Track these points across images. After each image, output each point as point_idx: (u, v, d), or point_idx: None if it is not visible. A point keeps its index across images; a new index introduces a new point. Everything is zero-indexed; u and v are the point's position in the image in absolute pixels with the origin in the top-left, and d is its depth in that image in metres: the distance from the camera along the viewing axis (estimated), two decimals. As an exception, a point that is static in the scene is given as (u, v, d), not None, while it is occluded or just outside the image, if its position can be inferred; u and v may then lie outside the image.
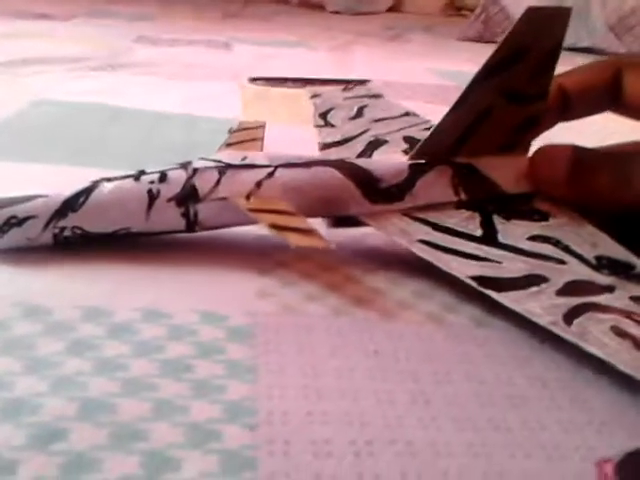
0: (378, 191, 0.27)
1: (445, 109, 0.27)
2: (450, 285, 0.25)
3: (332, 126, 0.35)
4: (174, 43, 0.86)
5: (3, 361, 0.18)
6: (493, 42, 1.20)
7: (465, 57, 1.00)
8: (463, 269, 0.24)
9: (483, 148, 0.28)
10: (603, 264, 0.25)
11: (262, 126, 0.33)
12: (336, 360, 0.20)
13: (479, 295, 0.24)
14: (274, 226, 0.24)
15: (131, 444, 0.16)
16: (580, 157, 0.28)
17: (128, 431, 0.16)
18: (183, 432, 0.16)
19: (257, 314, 0.22)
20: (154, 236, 0.26)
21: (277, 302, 0.23)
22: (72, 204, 0.24)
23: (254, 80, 0.42)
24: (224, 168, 0.26)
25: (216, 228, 0.26)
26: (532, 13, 0.25)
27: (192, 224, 0.25)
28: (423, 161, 0.28)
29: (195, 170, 0.26)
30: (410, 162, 0.28)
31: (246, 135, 0.32)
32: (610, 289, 0.23)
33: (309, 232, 0.24)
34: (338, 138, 0.33)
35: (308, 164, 0.27)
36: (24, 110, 0.46)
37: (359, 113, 0.37)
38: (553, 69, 0.27)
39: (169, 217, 0.25)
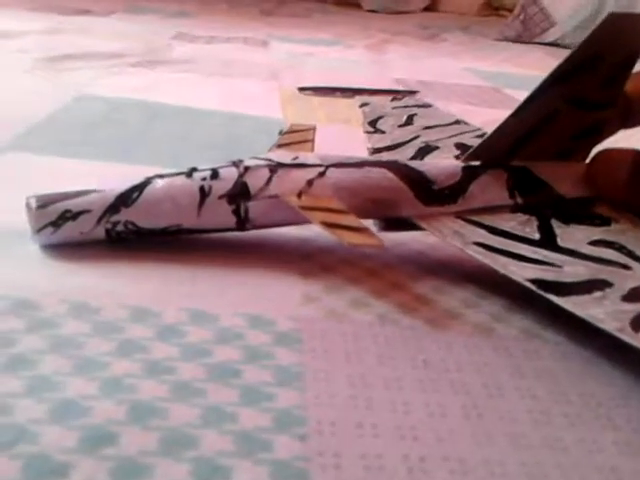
0: (431, 193, 0.26)
1: (485, 111, 0.27)
2: (499, 294, 0.25)
3: (382, 132, 0.35)
4: (211, 40, 0.86)
5: (52, 359, 0.18)
6: (532, 42, 1.18)
7: (503, 57, 0.98)
8: (521, 272, 0.23)
9: (541, 154, 0.27)
10: None
11: (313, 129, 0.33)
12: (384, 369, 0.20)
13: (529, 305, 0.24)
14: (326, 224, 0.24)
15: (181, 451, 0.15)
16: None
17: (178, 437, 0.16)
18: (232, 440, 0.16)
19: (303, 319, 0.22)
20: (203, 234, 0.26)
21: (322, 307, 0.23)
22: (125, 199, 0.24)
23: (303, 89, 0.42)
24: (275, 167, 0.26)
25: (267, 227, 0.26)
26: (613, 19, 0.24)
27: (243, 222, 0.25)
28: (477, 163, 0.27)
29: (247, 168, 0.25)
30: (463, 165, 0.27)
31: (297, 137, 0.31)
32: None
33: (361, 230, 0.24)
34: (388, 143, 0.33)
35: (360, 164, 0.26)
36: (67, 105, 0.46)
37: (409, 121, 0.36)
38: (626, 78, 0.26)
39: (220, 214, 0.25)
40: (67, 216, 0.24)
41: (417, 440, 0.17)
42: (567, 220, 0.26)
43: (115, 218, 0.24)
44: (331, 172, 0.26)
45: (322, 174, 0.26)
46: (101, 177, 0.26)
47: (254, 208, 0.25)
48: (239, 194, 0.25)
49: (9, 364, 0.18)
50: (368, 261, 0.26)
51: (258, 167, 0.26)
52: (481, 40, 1.18)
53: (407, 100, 0.43)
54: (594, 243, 0.25)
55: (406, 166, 0.27)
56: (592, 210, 0.27)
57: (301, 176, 0.25)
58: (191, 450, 0.16)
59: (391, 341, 0.22)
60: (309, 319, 0.22)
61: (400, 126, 0.35)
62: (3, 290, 0.21)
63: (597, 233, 0.26)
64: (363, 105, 0.39)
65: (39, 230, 0.24)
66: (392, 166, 0.27)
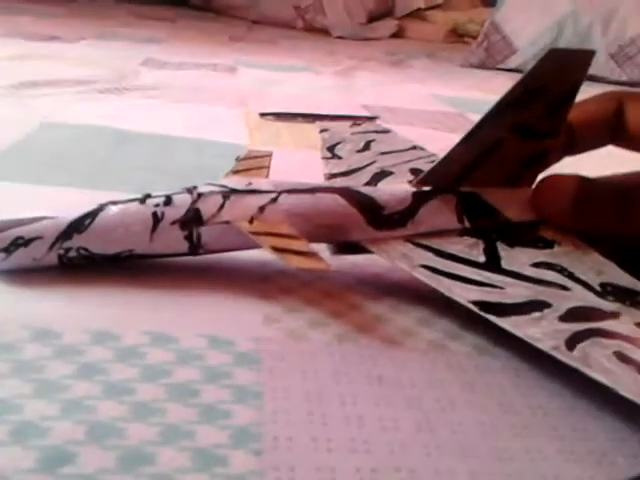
0: (381, 218, 0.27)
1: (446, 136, 0.28)
2: (452, 313, 0.26)
3: (339, 158, 0.36)
4: (181, 66, 0.87)
5: (13, 383, 0.19)
6: (495, 69, 1.22)
7: (467, 84, 1.01)
8: (465, 294, 0.24)
9: (488, 180, 0.28)
10: (608, 291, 0.25)
11: (269, 155, 0.34)
12: (340, 386, 0.21)
13: (481, 323, 0.25)
14: (275, 249, 0.24)
15: (138, 468, 0.16)
16: (585, 187, 0.28)
17: (135, 455, 0.16)
18: (189, 456, 0.17)
19: (262, 340, 0.23)
20: (159, 260, 0.26)
21: (282, 328, 0.24)
22: (78, 226, 0.25)
23: (264, 115, 0.43)
24: (228, 193, 0.26)
25: (219, 252, 0.27)
26: (554, 54, 0.25)
27: (195, 247, 0.26)
28: (427, 189, 0.28)
29: (200, 195, 0.26)
30: (414, 190, 0.28)
31: (253, 163, 0.32)
32: (615, 315, 0.23)
33: (310, 255, 0.24)
34: (344, 169, 0.33)
35: (312, 190, 0.27)
36: (33, 132, 0.46)
37: (366, 146, 0.37)
38: (569, 108, 0.27)
39: (172, 239, 0.25)
40: (19, 243, 0.24)
41: (370, 453, 0.18)
42: (512, 243, 0.27)
43: (68, 244, 0.24)
44: (283, 198, 0.27)
45: (274, 200, 0.26)
46: (55, 205, 0.26)
47: (206, 233, 0.25)
48: (191, 220, 0.25)
49: (-31, 388, 0.18)
50: (326, 283, 0.27)
51: (211, 194, 0.26)
52: (446, 66, 1.21)
53: (367, 126, 0.44)
54: (536, 265, 0.26)
55: (357, 192, 0.28)
56: (537, 233, 0.28)
57: (253, 202, 0.26)
58: (148, 467, 0.16)
59: (348, 359, 0.22)
60: (269, 340, 0.23)
61: (358, 151, 0.36)
62: (-36, 316, 0.22)
63: (540, 255, 0.27)
64: (323, 131, 0.40)
65: None
66: (343, 192, 0.28)
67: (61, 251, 0.24)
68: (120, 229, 0.25)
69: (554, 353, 0.21)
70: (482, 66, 1.22)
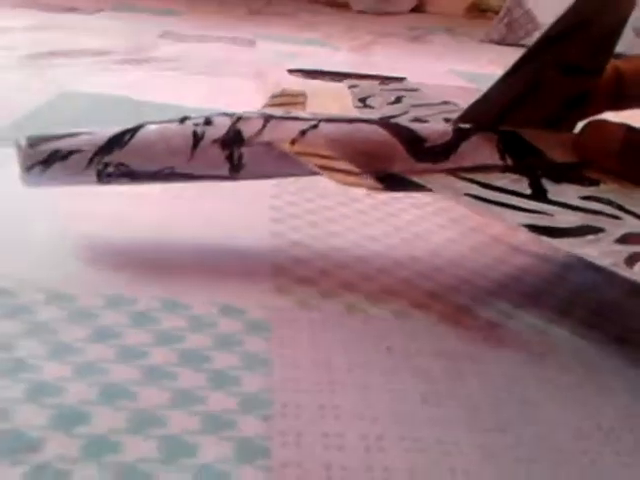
0: (423, 149, 0.26)
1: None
2: (465, 286, 0.26)
3: (371, 108, 0.34)
4: (199, 39, 0.87)
5: (29, 344, 0.19)
6: (516, 45, 1.19)
7: (487, 59, 1.00)
8: (515, 218, 0.23)
9: (530, 119, 0.28)
10: None
11: (304, 94, 0.32)
12: (349, 355, 0.21)
13: (494, 298, 0.25)
14: (322, 167, 0.24)
15: (149, 429, 0.16)
16: (632, 133, 0.27)
17: (146, 417, 0.17)
18: (199, 420, 0.17)
19: (273, 309, 0.23)
20: (173, 227, 0.26)
21: (293, 298, 0.24)
22: (118, 141, 0.24)
23: (292, 71, 0.42)
24: (268, 117, 0.26)
25: (259, 176, 0.26)
26: None
27: (237, 168, 0.25)
28: (467, 126, 0.27)
29: (239, 117, 0.25)
30: (454, 127, 0.27)
31: (288, 99, 0.31)
32: None
33: (357, 174, 0.24)
34: (378, 116, 0.33)
35: (352, 120, 0.27)
36: (51, 101, 0.46)
37: (398, 100, 0.36)
38: (614, 45, 0.27)
39: (213, 159, 0.25)
40: (57, 155, 0.24)
41: (376, 421, 0.18)
42: (557, 180, 0.26)
43: (107, 159, 0.24)
44: (323, 125, 0.26)
45: (315, 126, 0.26)
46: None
47: (247, 154, 0.25)
48: (233, 140, 0.25)
49: (-14, 348, 0.19)
50: (339, 255, 0.27)
51: (251, 117, 0.25)
52: (466, 42, 1.19)
53: (395, 84, 0.43)
54: (584, 198, 0.25)
55: (398, 125, 0.27)
56: (581, 173, 0.27)
57: (295, 126, 0.25)
58: (159, 429, 0.16)
59: (357, 329, 0.22)
60: (279, 308, 0.23)
61: (390, 104, 0.35)
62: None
63: (587, 191, 0.26)
64: (352, 87, 0.39)
65: (28, 169, 0.23)
66: (384, 124, 0.27)
67: (100, 166, 0.24)
68: (161, 144, 0.24)
69: (614, 269, 0.20)
70: (503, 42, 1.20)
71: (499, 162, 0.27)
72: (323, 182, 0.25)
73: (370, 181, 0.24)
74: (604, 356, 0.23)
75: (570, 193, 0.26)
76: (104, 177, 0.24)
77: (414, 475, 0.16)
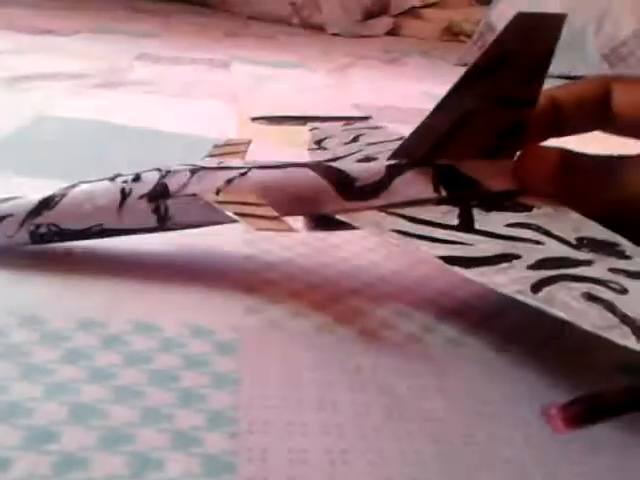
0: (353, 189, 0.27)
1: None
2: (429, 306, 0.27)
3: (324, 149, 0.35)
4: (175, 61, 0.88)
5: (0, 366, 0.19)
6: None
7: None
8: (433, 251, 0.24)
9: (466, 152, 0.28)
10: (584, 243, 0.24)
11: (247, 142, 0.33)
12: (317, 374, 0.22)
13: (456, 316, 0.25)
14: (239, 214, 0.24)
15: (118, 446, 0.17)
16: (569, 156, 0.28)
17: (116, 435, 0.17)
18: (167, 437, 0.17)
19: (242, 329, 0.24)
20: (144, 248, 0.27)
21: (263, 318, 0.24)
22: (47, 203, 0.26)
23: (255, 119, 0.43)
24: (197, 169, 0.27)
25: (187, 226, 0.27)
26: (521, 19, 0.25)
27: (163, 219, 0.26)
28: (402, 161, 0.28)
29: (168, 171, 0.27)
30: (388, 163, 0.28)
31: (229, 149, 0.32)
32: (588, 263, 0.23)
33: (274, 218, 0.25)
34: (328, 157, 0.33)
35: (283, 166, 0.27)
36: (26, 126, 0.47)
37: (355, 139, 0.37)
38: (544, 75, 0.27)
39: (140, 213, 0.26)
40: None
41: (342, 436, 0.19)
42: (489, 209, 0.27)
43: (38, 220, 0.26)
44: (253, 172, 0.27)
45: (244, 174, 0.27)
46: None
47: (173, 206, 0.26)
48: (159, 194, 0.26)
49: (-42, 370, 0.19)
50: (310, 276, 0.28)
51: (179, 170, 0.27)
52: (441, 65, 1.21)
53: (358, 124, 0.44)
54: (511, 225, 0.26)
55: (329, 166, 0.28)
56: (515, 200, 0.28)
57: (221, 176, 0.26)
58: (128, 445, 0.17)
59: (326, 349, 0.23)
60: (249, 329, 0.24)
61: (345, 143, 0.36)
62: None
63: (516, 217, 0.26)
64: (313, 129, 0.40)
65: None
66: (314, 166, 0.27)
67: (32, 227, 0.26)
68: (87, 204, 0.26)
69: (518, 296, 0.21)
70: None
71: (433, 195, 0.27)
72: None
73: (285, 225, 0.24)
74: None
75: (498, 221, 0.26)
76: (37, 237, 0.26)
77: (376, 487, 0.17)
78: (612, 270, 0.22)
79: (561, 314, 0.19)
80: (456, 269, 0.23)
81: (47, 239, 0.26)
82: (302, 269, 0.28)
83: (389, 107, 0.72)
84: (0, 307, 0.23)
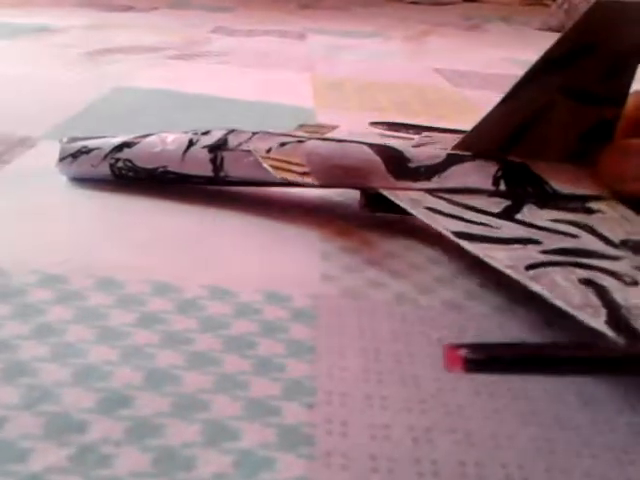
0: (405, 169, 0.26)
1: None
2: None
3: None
4: (250, 33, 0.87)
5: (78, 329, 0.19)
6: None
7: (545, 47, 0.96)
8: (449, 225, 0.23)
9: (542, 151, 0.26)
10: (626, 244, 0.22)
11: (332, 127, 0.34)
12: (397, 345, 0.20)
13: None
14: (273, 167, 0.26)
15: (192, 414, 0.16)
16: None
17: (190, 401, 0.17)
18: (243, 405, 0.17)
19: (320, 297, 0.23)
20: (221, 213, 0.28)
21: (340, 286, 0.23)
22: (129, 143, 0.29)
23: (374, 124, 0.42)
24: (260, 132, 0.28)
25: (241, 181, 0.28)
26: (602, 8, 0.23)
27: (217, 169, 0.28)
28: (465, 153, 0.26)
29: (234, 130, 0.28)
30: (450, 152, 0.27)
31: (311, 129, 0.33)
32: (614, 258, 0.21)
33: (303, 174, 0.26)
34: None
35: (342, 140, 0.27)
36: (105, 96, 0.47)
37: None
38: (633, 71, 0.25)
39: (200, 161, 0.28)
40: (83, 151, 0.29)
41: (425, 413, 0.17)
42: (544, 206, 0.25)
43: (117, 155, 0.28)
44: (311, 142, 0.27)
45: (301, 141, 0.27)
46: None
47: (228, 158, 0.27)
48: (219, 146, 0.28)
49: (37, 332, 0.19)
50: (388, 244, 0.27)
51: (245, 131, 0.28)
52: (523, 30, 1.16)
53: None
54: (556, 220, 0.24)
55: (386, 146, 0.27)
56: (584, 204, 0.25)
57: (278, 139, 0.28)
58: (202, 413, 0.16)
59: (407, 319, 0.22)
60: (326, 296, 0.23)
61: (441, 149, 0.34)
62: (34, 266, 0.22)
63: (568, 216, 0.24)
64: (425, 137, 0.37)
65: (61, 159, 0.29)
66: (373, 145, 0.27)
67: (112, 161, 0.28)
68: (159, 147, 0.28)
69: (506, 270, 0.20)
70: (562, 29, 1.15)
71: (490, 187, 0.26)
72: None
73: (309, 180, 0.26)
74: None
75: (545, 216, 0.24)
76: (116, 171, 0.29)
77: (464, 468, 0.16)
78: (637, 267, 0.20)
79: (537, 288, 0.18)
80: (459, 241, 0.22)
81: (124, 174, 0.29)
82: (381, 236, 0.27)
83: (471, 73, 0.69)
84: (78, 269, 0.22)
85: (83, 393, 0.17)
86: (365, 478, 0.15)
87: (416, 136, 0.37)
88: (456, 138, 0.33)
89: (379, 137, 0.39)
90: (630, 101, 0.26)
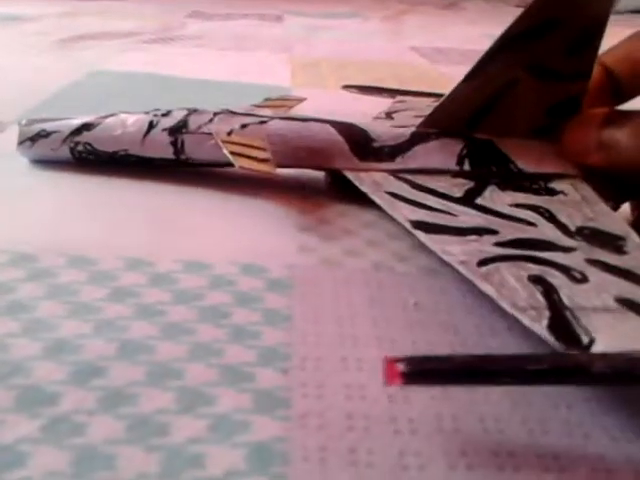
0: (369, 149, 0.26)
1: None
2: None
3: (391, 119, 0.33)
4: (226, 17, 0.86)
5: (49, 305, 0.19)
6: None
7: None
8: (408, 214, 0.23)
9: (509, 127, 0.26)
10: (582, 233, 0.22)
11: (298, 100, 0.34)
12: (373, 310, 0.20)
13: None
14: (233, 153, 0.25)
15: (166, 382, 0.16)
16: (615, 118, 0.24)
17: (164, 370, 0.16)
18: (217, 372, 0.17)
19: (296, 267, 0.22)
20: (195, 187, 0.28)
21: (317, 256, 0.23)
22: (88, 125, 0.28)
23: (347, 87, 0.42)
24: (221, 112, 0.28)
25: (201, 163, 0.28)
26: None
27: (178, 152, 0.27)
28: (430, 130, 0.26)
29: (195, 110, 0.28)
30: (414, 130, 0.27)
31: (277, 102, 0.32)
32: (567, 249, 0.21)
33: (263, 160, 0.25)
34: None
35: (306, 119, 0.27)
36: (80, 80, 0.47)
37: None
38: (596, 45, 0.24)
39: (160, 144, 0.27)
40: (42, 134, 0.28)
41: (401, 373, 0.17)
42: (506, 188, 0.25)
43: (77, 139, 0.28)
44: (273, 122, 0.27)
45: (263, 122, 0.27)
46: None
47: (188, 141, 0.27)
48: (179, 128, 0.27)
49: (8, 308, 0.19)
50: (365, 214, 0.27)
51: (206, 111, 0.28)
52: (501, 7, 1.15)
53: None
54: (517, 205, 0.24)
55: (352, 125, 0.27)
56: (547, 184, 0.25)
57: (239, 120, 0.27)
58: (177, 381, 0.16)
59: (383, 286, 0.22)
60: (303, 267, 0.23)
61: (415, 116, 0.32)
62: (4, 245, 0.22)
63: (529, 199, 0.24)
64: (398, 102, 0.36)
65: (20, 143, 0.28)
66: (336, 123, 0.27)
67: (72, 144, 0.28)
68: (119, 130, 0.28)
69: (458, 267, 0.20)
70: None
71: (454, 167, 0.26)
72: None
73: (267, 167, 0.25)
74: None
75: (506, 200, 0.24)
76: (75, 154, 0.28)
77: (441, 423, 0.16)
78: (588, 260, 0.20)
79: (485, 287, 0.19)
80: (416, 232, 0.22)
81: (84, 157, 0.28)
82: (359, 207, 0.27)
83: (448, 49, 0.69)
84: (49, 248, 0.22)
85: (55, 366, 0.16)
86: (341, 437, 0.15)
87: (389, 99, 0.37)
88: (430, 101, 0.33)
89: (351, 100, 0.38)
90: (595, 71, 0.25)
